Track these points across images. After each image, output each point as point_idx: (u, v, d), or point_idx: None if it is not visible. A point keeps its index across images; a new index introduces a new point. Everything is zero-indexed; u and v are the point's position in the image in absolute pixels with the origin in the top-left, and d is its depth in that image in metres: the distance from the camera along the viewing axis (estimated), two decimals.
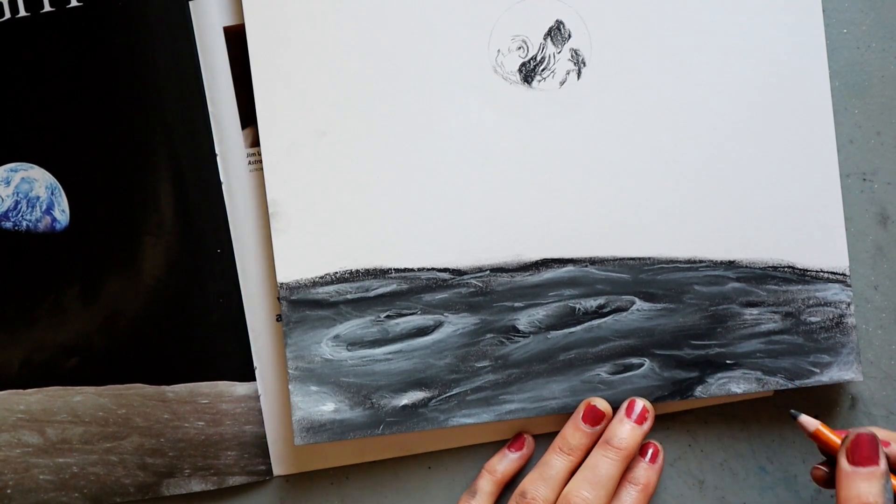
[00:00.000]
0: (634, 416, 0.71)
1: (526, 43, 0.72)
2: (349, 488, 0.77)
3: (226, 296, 0.73)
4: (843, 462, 0.64)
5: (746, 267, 0.72)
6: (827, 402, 0.76)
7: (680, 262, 0.72)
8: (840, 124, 0.75)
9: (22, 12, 0.71)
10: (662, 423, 0.76)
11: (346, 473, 0.77)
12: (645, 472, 0.72)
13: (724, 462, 0.77)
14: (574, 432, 0.72)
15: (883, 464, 0.63)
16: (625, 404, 0.72)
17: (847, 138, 0.75)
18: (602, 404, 0.72)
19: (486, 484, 0.74)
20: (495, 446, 0.76)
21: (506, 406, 0.72)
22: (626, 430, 0.71)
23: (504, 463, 0.75)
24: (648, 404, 0.72)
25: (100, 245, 0.73)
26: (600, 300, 0.72)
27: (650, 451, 0.73)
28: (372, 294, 0.72)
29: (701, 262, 0.72)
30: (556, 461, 0.72)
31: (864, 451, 0.63)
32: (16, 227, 0.73)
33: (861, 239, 0.75)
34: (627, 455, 0.70)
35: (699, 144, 0.72)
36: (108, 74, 0.72)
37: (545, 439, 0.75)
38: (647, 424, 0.71)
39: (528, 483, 0.71)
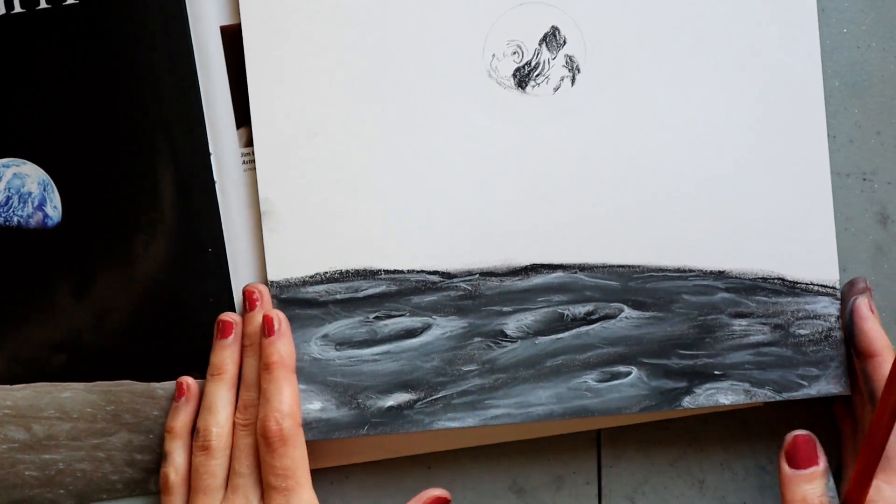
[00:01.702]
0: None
1: (521, 48, 0.72)
2: (349, 487, 0.77)
3: (217, 295, 0.73)
4: (784, 466, 0.64)
5: (736, 277, 0.72)
6: (826, 401, 0.76)
7: (669, 270, 0.72)
8: (840, 124, 0.75)
9: (17, 8, 0.72)
10: (663, 423, 0.76)
11: (345, 473, 0.77)
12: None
13: (724, 462, 0.77)
14: (219, 352, 0.72)
15: (822, 462, 0.64)
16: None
17: (847, 138, 0.75)
18: (230, 316, 0.73)
19: (173, 441, 0.72)
20: (503, 446, 0.76)
21: (491, 411, 0.72)
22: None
23: (180, 415, 0.73)
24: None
25: (91, 242, 0.73)
26: (589, 307, 0.72)
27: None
28: (361, 295, 0.72)
29: (690, 271, 0.72)
30: (213, 390, 0.72)
31: (802, 454, 0.64)
32: (7, 223, 0.73)
33: (861, 239, 0.75)
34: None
35: (692, 153, 0.72)
36: (104, 72, 0.72)
37: (520, 445, 0.75)
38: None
39: (199, 421, 0.72)
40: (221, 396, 0.72)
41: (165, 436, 0.73)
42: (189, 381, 0.73)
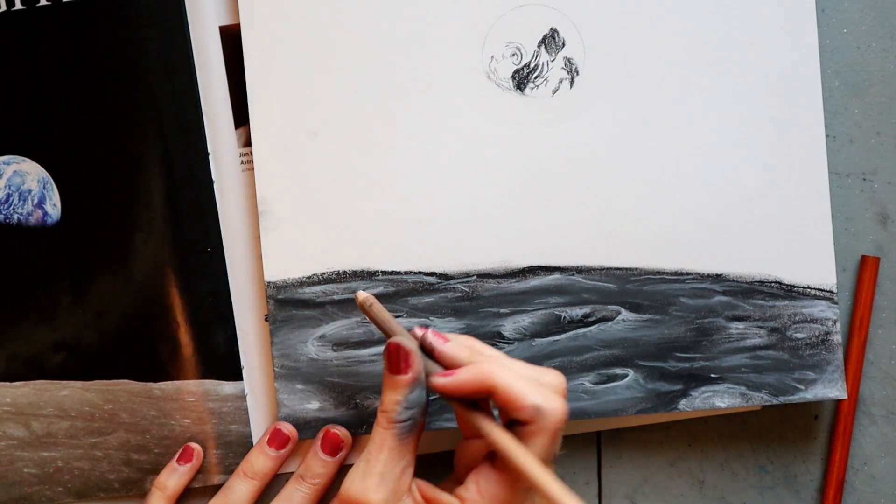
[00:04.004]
0: (326, 447, 0.73)
1: (520, 50, 0.72)
2: None
3: (215, 294, 0.74)
4: (384, 368, 0.63)
5: (733, 281, 0.72)
6: (827, 401, 0.76)
7: (667, 273, 0.72)
8: (840, 124, 0.75)
9: (18, 5, 0.72)
10: (663, 423, 0.76)
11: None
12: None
13: (724, 462, 0.77)
14: (258, 456, 0.73)
15: (410, 374, 0.62)
16: (319, 435, 0.73)
17: (847, 138, 0.75)
18: (287, 428, 0.73)
19: (158, 501, 0.73)
20: None
21: None
22: (318, 465, 0.72)
23: (173, 477, 0.74)
24: (344, 432, 0.73)
25: (90, 240, 0.73)
26: (586, 309, 0.72)
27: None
28: None
29: (688, 274, 0.72)
30: (239, 486, 0.73)
31: (392, 361, 0.63)
32: (7, 220, 0.73)
33: (861, 239, 0.75)
34: (321, 488, 0.72)
35: (690, 156, 0.72)
36: (103, 71, 0.72)
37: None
38: (342, 454, 0.73)
39: None
40: (243, 500, 0.73)
41: (153, 490, 0.74)
42: (197, 449, 0.74)
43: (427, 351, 0.63)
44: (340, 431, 0.73)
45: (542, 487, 0.58)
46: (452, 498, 0.62)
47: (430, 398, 0.64)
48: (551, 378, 0.62)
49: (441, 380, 0.61)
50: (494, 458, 0.62)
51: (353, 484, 0.62)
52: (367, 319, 0.67)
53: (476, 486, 0.61)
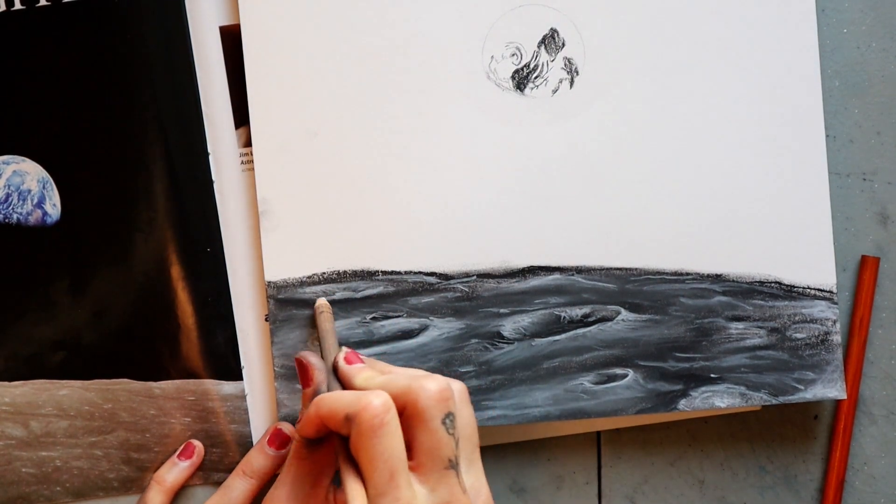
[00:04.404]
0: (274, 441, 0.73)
1: (520, 50, 0.72)
2: None
3: (215, 294, 0.74)
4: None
5: (733, 281, 0.72)
6: (826, 400, 0.76)
7: (667, 273, 0.72)
8: (840, 124, 0.75)
9: (17, 5, 0.72)
10: (663, 423, 0.76)
11: None
12: None
13: (724, 462, 0.77)
14: (258, 456, 0.73)
15: (312, 387, 0.64)
16: (268, 431, 0.74)
17: (847, 138, 0.75)
18: (287, 428, 0.73)
19: (156, 495, 0.73)
20: (503, 447, 0.77)
21: (488, 412, 0.72)
22: (261, 459, 0.73)
23: (174, 472, 0.74)
24: (291, 429, 0.74)
25: (90, 240, 0.73)
26: (586, 309, 0.72)
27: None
28: (359, 295, 0.72)
29: (688, 274, 0.72)
30: (238, 484, 0.73)
31: (299, 374, 0.65)
32: (6, 220, 0.73)
33: (861, 239, 0.76)
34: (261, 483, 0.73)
35: (690, 156, 0.72)
36: (103, 71, 0.72)
37: (520, 445, 0.76)
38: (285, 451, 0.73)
39: None
40: (241, 498, 0.73)
41: (152, 483, 0.74)
42: (198, 446, 0.75)
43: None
44: (286, 428, 0.73)
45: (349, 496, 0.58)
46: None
47: None
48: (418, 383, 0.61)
49: (297, 427, 0.64)
50: None
51: (267, 495, 0.64)
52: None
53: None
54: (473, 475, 0.62)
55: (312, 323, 0.72)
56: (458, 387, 0.62)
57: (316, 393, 0.63)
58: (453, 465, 0.59)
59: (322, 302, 0.69)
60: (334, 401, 0.60)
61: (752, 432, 0.77)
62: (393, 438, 0.58)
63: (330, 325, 0.68)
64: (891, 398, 0.76)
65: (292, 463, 0.64)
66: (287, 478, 0.64)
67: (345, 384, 0.64)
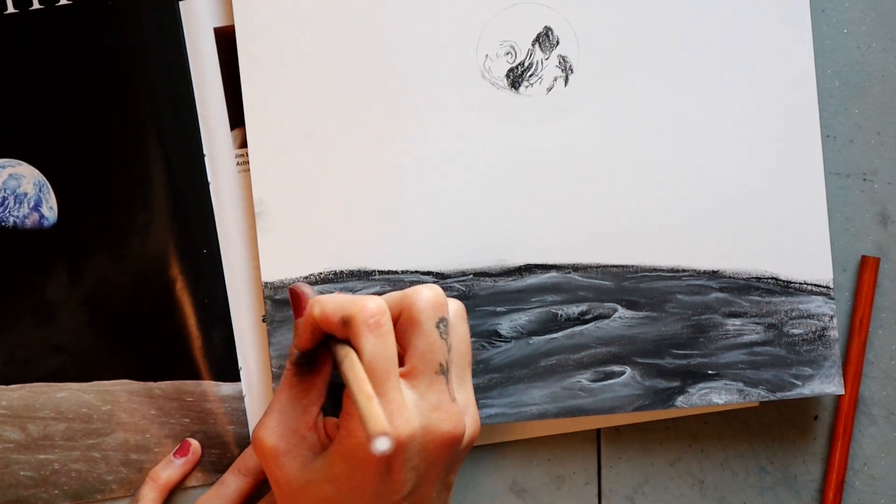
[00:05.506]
0: None
1: (514, 48, 0.72)
2: None
3: (211, 295, 0.74)
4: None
5: (730, 277, 0.72)
6: (826, 400, 0.76)
7: (663, 270, 0.72)
8: (840, 124, 0.75)
9: (10, 9, 0.72)
10: (662, 423, 0.76)
11: None
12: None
13: (724, 462, 0.77)
14: (254, 454, 0.73)
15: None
16: None
17: (847, 138, 0.75)
18: None
19: (150, 491, 0.73)
20: (503, 446, 0.76)
21: (486, 410, 0.72)
22: (253, 459, 0.73)
23: (168, 470, 0.74)
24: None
25: (87, 243, 0.73)
26: (583, 307, 0.72)
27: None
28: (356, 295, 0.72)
29: (684, 271, 0.72)
30: (232, 482, 0.73)
31: (292, 304, 0.68)
32: (3, 223, 0.73)
33: (861, 239, 0.75)
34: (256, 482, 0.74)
35: (685, 153, 0.72)
36: (98, 73, 0.72)
37: (520, 445, 0.75)
38: None
39: (202, 501, 0.73)
40: (236, 495, 0.73)
41: (147, 480, 0.74)
42: (195, 444, 0.75)
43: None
44: None
45: (351, 390, 0.58)
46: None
47: None
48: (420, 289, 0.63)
49: (293, 341, 0.65)
50: None
51: (257, 424, 0.65)
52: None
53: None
54: (464, 392, 0.65)
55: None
56: (455, 304, 0.65)
57: None
58: (443, 370, 0.62)
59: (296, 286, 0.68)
60: (331, 302, 0.62)
61: (752, 433, 0.77)
62: (386, 340, 0.60)
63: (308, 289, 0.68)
64: (891, 398, 0.76)
65: (283, 390, 0.65)
66: (277, 405, 0.65)
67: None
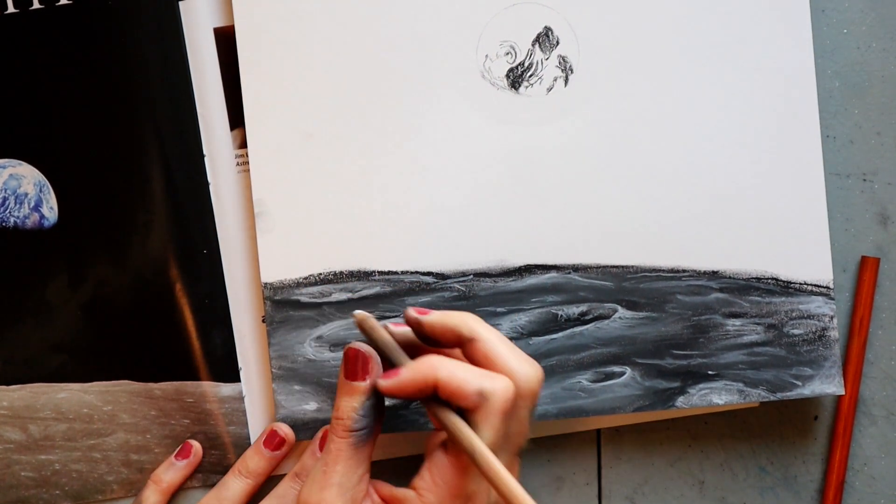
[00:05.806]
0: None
1: (514, 49, 0.72)
2: None
3: (211, 296, 0.74)
4: (340, 374, 0.63)
5: (730, 278, 0.72)
6: (826, 401, 0.76)
7: (663, 270, 0.72)
8: (840, 124, 0.75)
9: (11, 8, 0.72)
10: (663, 424, 0.76)
11: None
12: None
13: (724, 462, 0.77)
14: (254, 456, 0.73)
15: (368, 381, 0.62)
16: (317, 435, 0.73)
17: (847, 138, 0.75)
18: (283, 429, 0.73)
19: (152, 494, 0.74)
20: None
21: None
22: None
23: (170, 472, 0.74)
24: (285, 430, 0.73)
25: (87, 243, 0.73)
26: (583, 307, 0.72)
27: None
28: (356, 296, 0.72)
29: (684, 271, 0.72)
30: (233, 483, 0.73)
31: (350, 366, 0.62)
32: (3, 224, 0.73)
33: (861, 239, 0.75)
34: None
35: (685, 154, 0.72)
36: (98, 73, 0.72)
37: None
38: None
39: (203, 503, 0.73)
40: (237, 497, 0.73)
41: (149, 483, 0.74)
42: (196, 446, 0.75)
43: (414, 326, 0.63)
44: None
45: (484, 468, 0.58)
46: (408, 490, 0.62)
47: (388, 404, 0.64)
48: (526, 367, 0.62)
49: (385, 382, 0.61)
50: (447, 446, 0.62)
51: (311, 495, 0.62)
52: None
53: (429, 474, 0.61)
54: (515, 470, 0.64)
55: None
56: None
57: (374, 385, 0.62)
58: (521, 452, 0.63)
59: (361, 315, 0.64)
60: (468, 371, 0.60)
61: (752, 433, 0.77)
62: (511, 425, 0.60)
63: (386, 335, 0.64)
64: (891, 398, 0.76)
65: (337, 460, 0.62)
66: (334, 477, 0.62)
67: (439, 333, 0.63)
